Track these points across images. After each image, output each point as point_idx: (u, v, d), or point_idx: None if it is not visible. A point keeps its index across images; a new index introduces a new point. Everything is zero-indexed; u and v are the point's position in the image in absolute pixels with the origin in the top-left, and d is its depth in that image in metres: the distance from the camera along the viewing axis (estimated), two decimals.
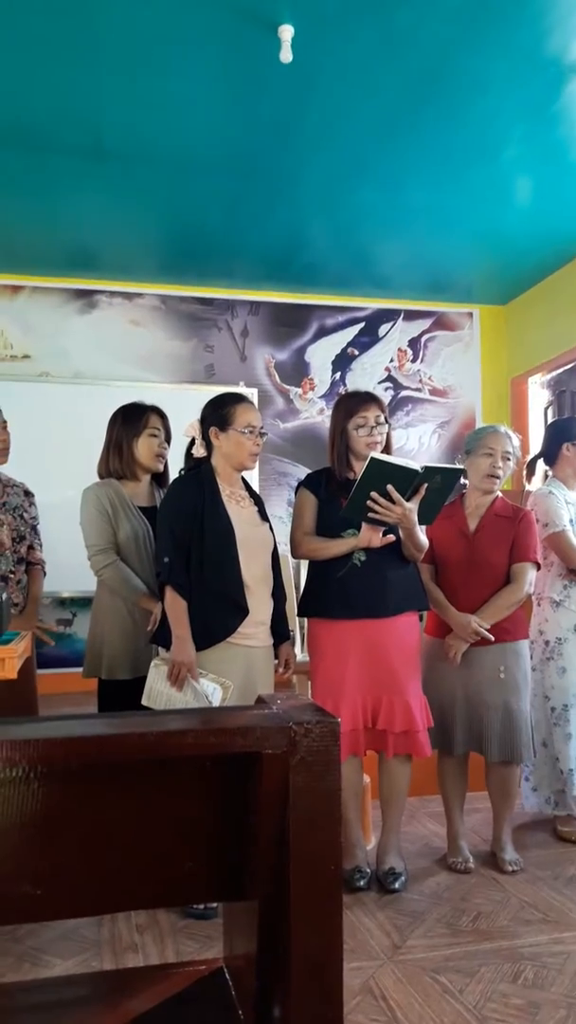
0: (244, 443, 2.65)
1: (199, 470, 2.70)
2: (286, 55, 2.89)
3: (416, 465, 2.59)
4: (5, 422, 3.04)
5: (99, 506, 2.84)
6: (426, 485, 2.60)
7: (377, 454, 2.61)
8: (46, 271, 5.03)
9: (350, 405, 2.84)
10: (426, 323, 5.78)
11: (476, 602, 2.90)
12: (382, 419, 2.82)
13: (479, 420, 5.77)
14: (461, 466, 2.85)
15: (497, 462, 2.95)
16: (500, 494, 3.06)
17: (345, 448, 2.84)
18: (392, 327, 5.72)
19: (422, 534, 2.75)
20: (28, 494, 3.16)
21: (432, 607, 2.97)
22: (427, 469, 2.60)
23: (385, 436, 2.84)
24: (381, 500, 2.58)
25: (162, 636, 2.59)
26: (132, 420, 2.92)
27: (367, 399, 2.85)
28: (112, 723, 0.89)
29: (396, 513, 2.60)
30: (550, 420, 5.29)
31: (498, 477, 2.97)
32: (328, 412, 5.49)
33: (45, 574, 3.17)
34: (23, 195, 4.04)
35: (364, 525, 2.68)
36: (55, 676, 3.35)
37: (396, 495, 2.57)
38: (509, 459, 2.99)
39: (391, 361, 5.71)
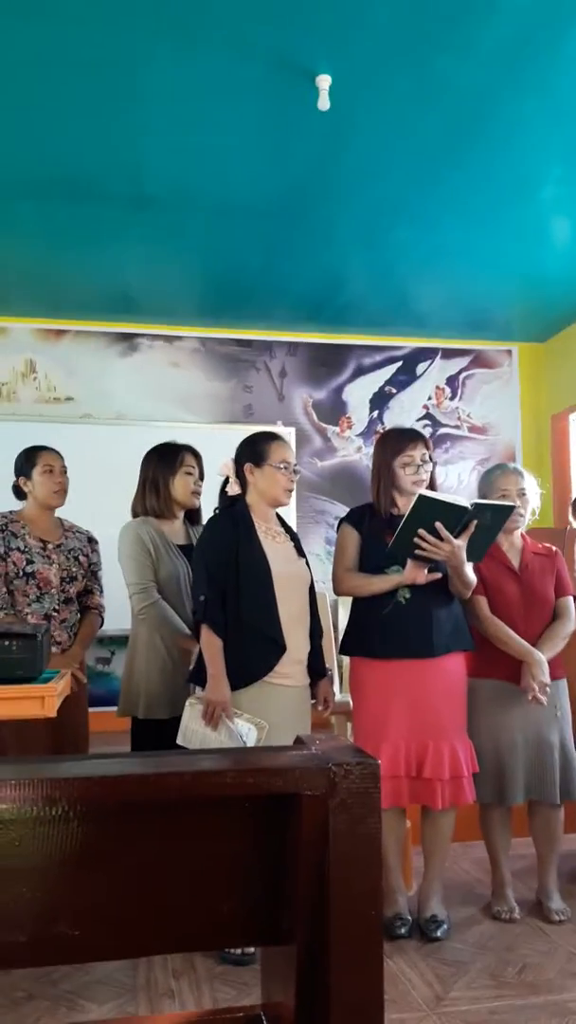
0: (279, 478, 2.67)
1: (234, 507, 2.72)
2: (324, 103, 2.96)
3: (465, 502, 2.58)
4: (65, 467, 3.13)
5: (140, 544, 2.86)
6: (475, 522, 2.59)
7: (425, 491, 2.61)
8: (89, 315, 5.16)
9: (397, 442, 2.84)
10: (464, 361, 5.79)
11: (533, 637, 2.85)
12: (427, 457, 2.81)
13: (519, 457, 5.74)
14: (512, 503, 2.82)
15: (515, 499, 2.93)
16: (524, 532, 3.03)
17: (390, 485, 2.83)
18: (430, 365, 5.74)
19: (471, 572, 2.72)
20: (92, 540, 3.22)
21: (495, 642, 2.84)
22: (476, 506, 2.59)
23: (429, 475, 2.84)
24: (429, 537, 2.57)
25: (198, 675, 2.59)
26: (168, 459, 2.97)
27: (414, 436, 2.85)
28: (150, 762, 0.88)
29: (445, 550, 2.58)
30: None
31: (521, 515, 2.94)
32: (366, 450, 5.52)
33: (103, 621, 3.21)
34: (68, 243, 4.16)
35: (410, 562, 2.66)
36: (92, 715, 3.36)
37: (445, 532, 2.56)
38: (524, 495, 2.97)
39: (429, 399, 5.72)
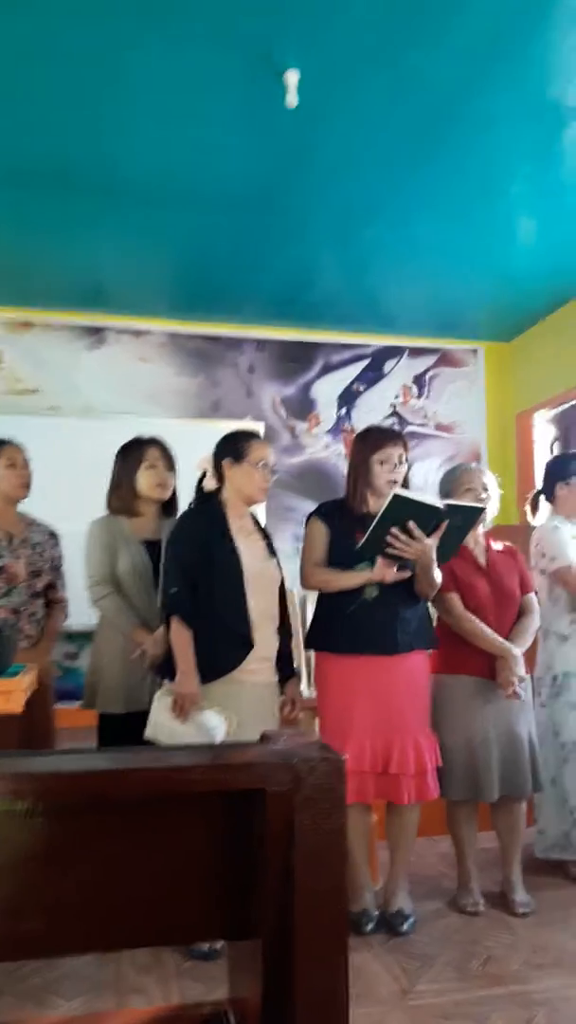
0: (256, 477, 2.68)
1: (209, 503, 2.72)
2: (292, 100, 2.96)
3: (439, 503, 2.61)
4: (27, 460, 3.11)
5: (100, 540, 2.92)
6: (447, 523, 2.61)
7: (400, 490, 2.63)
8: (57, 306, 5.10)
9: (376, 440, 2.85)
10: (431, 360, 5.83)
11: (503, 634, 2.90)
12: (404, 458, 2.84)
13: (484, 455, 5.79)
14: (482, 505, 2.85)
15: (481, 494, 2.97)
16: (483, 531, 3.07)
17: (365, 482, 2.85)
18: (397, 364, 5.77)
19: (437, 572, 2.74)
20: (53, 535, 3.21)
21: (471, 639, 2.86)
22: (449, 507, 2.61)
23: (403, 476, 2.85)
24: (401, 536, 2.58)
25: (167, 668, 2.59)
26: (130, 455, 2.99)
27: (393, 436, 2.87)
28: (118, 758, 0.88)
29: (416, 549, 2.60)
30: (552, 456, 5.30)
31: (484, 510, 2.98)
32: (334, 448, 5.54)
33: (67, 615, 3.20)
34: (37, 232, 4.12)
35: (380, 559, 2.68)
36: (60, 710, 3.35)
37: (418, 532, 2.58)
38: (488, 491, 3.00)
39: (396, 397, 5.75)
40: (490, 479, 3.05)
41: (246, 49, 2.80)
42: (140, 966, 2.47)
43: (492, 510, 3.04)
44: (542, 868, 3.23)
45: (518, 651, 2.84)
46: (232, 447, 2.72)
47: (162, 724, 2.52)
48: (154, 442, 3.02)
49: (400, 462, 2.81)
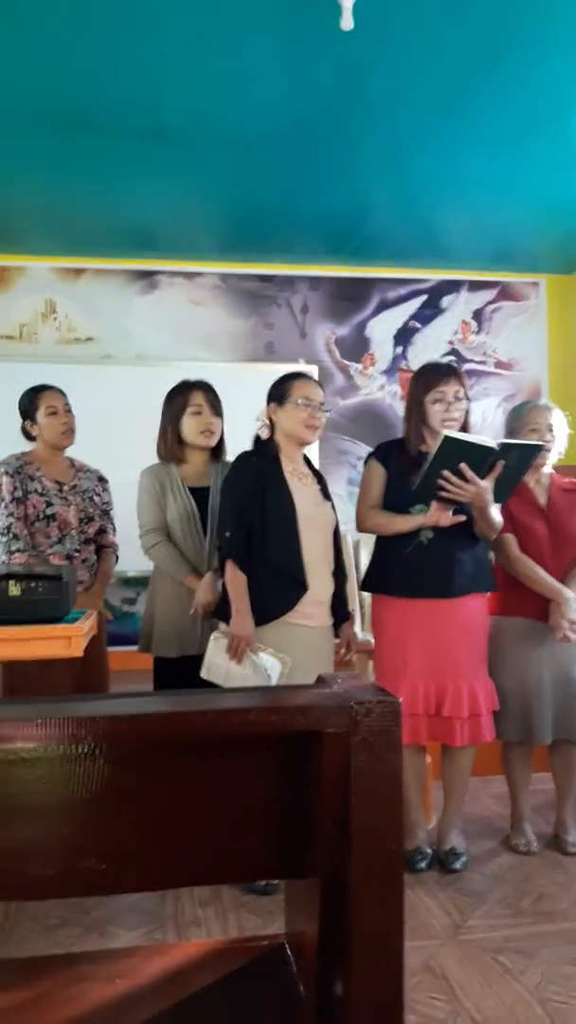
0: (299, 415, 2.65)
1: (263, 448, 2.71)
2: (347, 23, 2.83)
3: (492, 442, 2.53)
4: (69, 405, 3.11)
5: (150, 488, 2.92)
6: (503, 463, 2.54)
7: (450, 431, 2.56)
8: (107, 253, 5.07)
9: (429, 378, 2.77)
10: (491, 294, 5.66)
11: (561, 576, 2.84)
12: (461, 394, 2.75)
13: (545, 393, 5.64)
14: (540, 442, 2.77)
15: (545, 435, 2.89)
16: (552, 469, 3.00)
17: (420, 422, 2.79)
18: (455, 299, 5.61)
19: (496, 513, 2.69)
20: (102, 480, 3.24)
21: (524, 581, 2.83)
22: (503, 446, 2.54)
23: (464, 412, 2.77)
24: (454, 479, 2.53)
25: (222, 610, 2.62)
26: (173, 402, 2.96)
27: (447, 372, 2.78)
28: (174, 701, 0.89)
29: (470, 492, 2.55)
30: None
31: (548, 451, 2.91)
32: (389, 388, 5.45)
33: (118, 558, 3.25)
34: (83, 178, 4.07)
35: (434, 503, 2.64)
36: (118, 654, 3.43)
37: (470, 474, 2.52)
38: (553, 430, 2.92)
39: (455, 334, 5.61)
40: (558, 417, 2.96)
41: None
42: (199, 900, 2.56)
43: (561, 448, 2.97)
44: None
45: (571, 594, 2.79)
46: (275, 391, 2.71)
47: (218, 665, 2.56)
48: (199, 386, 2.97)
49: (456, 399, 2.74)
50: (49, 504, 3.00)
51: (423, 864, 2.76)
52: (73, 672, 2.31)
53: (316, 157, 3.94)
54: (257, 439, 2.80)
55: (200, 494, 2.93)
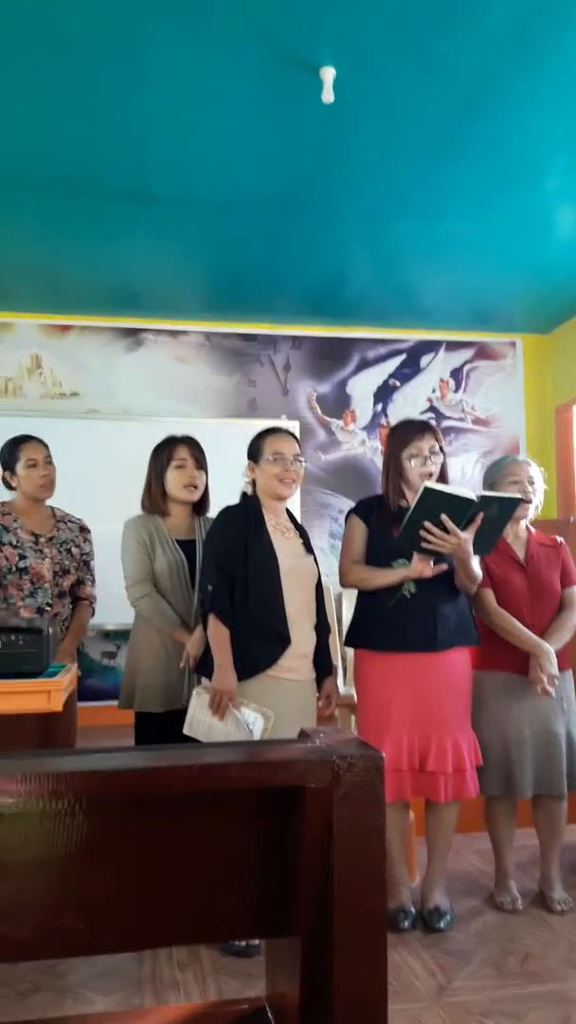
0: (272, 470, 2.68)
1: (246, 502, 2.74)
2: (328, 96, 2.95)
3: (472, 494, 2.57)
4: (50, 457, 3.12)
5: (137, 538, 2.91)
6: (482, 515, 2.58)
7: (431, 483, 2.60)
8: (93, 311, 5.15)
9: (404, 435, 2.83)
10: (468, 353, 5.78)
11: (540, 629, 2.86)
12: (436, 448, 2.80)
13: (523, 449, 5.72)
14: (519, 495, 2.81)
15: (526, 487, 2.93)
16: (530, 525, 3.04)
17: (399, 477, 2.83)
18: (434, 358, 5.72)
19: (476, 565, 2.71)
20: (84, 530, 3.24)
21: (503, 635, 2.84)
22: (483, 498, 2.57)
23: (440, 466, 2.82)
24: (435, 530, 2.56)
25: (204, 665, 2.61)
26: (159, 455, 2.99)
27: (421, 428, 2.83)
28: (156, 756, 0.89)
29: (451, 543, 2.57)
30: None
31: (530, 502, 2.95)
32: (370, 444, 5.51)
33: (94, 611, 3.22)
34: (71, 239, 4.15)
35: (416, 555, 2.66)
36: (97, 709, 3.38)
37: (451, 525, 2.55)
38: (533, 483, 2.97)
39: (433, 391, 5.71)
40: (536, 471, 3.01)
41: (276, 46, 2.79)
42: (177, 963, 2.49)
43: (538, 502, 3.01)
44: None
45: (549, 647, 2.80)
46: (251, 448, 2.77)
47: (200, 721, 2.54)
48: (184, 440, 3.01)
49: (432, 453, 2.78)
50: (23, 556, 2.99)
51: (407, 923, 2.71)
52: (40, 726, 2.28)
53: (299, 221, 4.05)
54: (243, 495, 2.82)
55: (187, 547, 2.94)
